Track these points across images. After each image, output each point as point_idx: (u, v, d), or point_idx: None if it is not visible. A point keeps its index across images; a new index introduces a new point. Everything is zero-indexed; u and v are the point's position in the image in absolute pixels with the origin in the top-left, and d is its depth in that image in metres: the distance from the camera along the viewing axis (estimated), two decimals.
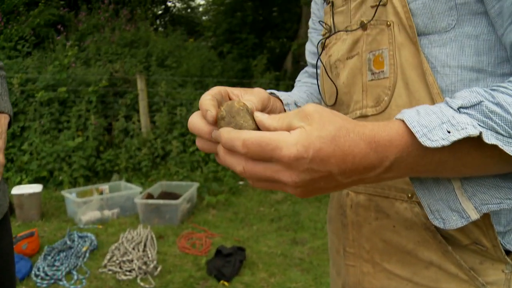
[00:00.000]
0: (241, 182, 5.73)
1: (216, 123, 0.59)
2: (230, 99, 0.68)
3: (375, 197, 0.77)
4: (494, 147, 0.53)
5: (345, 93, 0.82)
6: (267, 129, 0.55)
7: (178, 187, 4.89)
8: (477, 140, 0.54)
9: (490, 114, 0.54)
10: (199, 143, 0.64)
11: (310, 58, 1.08)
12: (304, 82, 1.09)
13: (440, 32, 0.67)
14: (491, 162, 0.57)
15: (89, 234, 3.76)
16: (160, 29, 13.45)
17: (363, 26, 0.77)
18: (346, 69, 0.81)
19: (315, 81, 1.07)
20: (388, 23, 0.72)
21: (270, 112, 0.74)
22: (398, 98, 0.71)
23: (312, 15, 1.07)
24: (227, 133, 0.55)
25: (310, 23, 1.08)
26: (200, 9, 18.35)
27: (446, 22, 0.66)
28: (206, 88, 7.31)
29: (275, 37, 12.17)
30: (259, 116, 0.57)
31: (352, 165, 0.53)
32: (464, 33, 0.66)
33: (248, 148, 0.52)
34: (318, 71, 0.98)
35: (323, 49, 0.90)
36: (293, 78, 9.84)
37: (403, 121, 0.56)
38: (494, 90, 0.57)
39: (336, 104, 0.85)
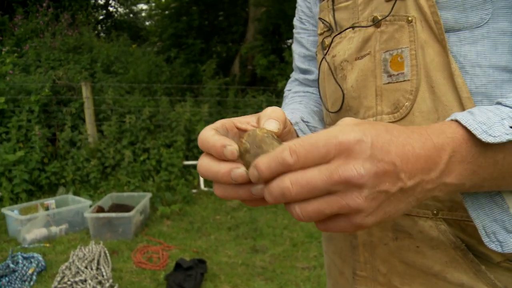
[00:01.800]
0: (194, 190, 5.59)
1: (239, 157, 0.50)
2: (239, 129, 0.59)
3: None
4: None
5: (353, 98, 0.74)
6: None
7: (130, 199, 4.68)
8: None
9: None
10: (219, 190, 0.53)
11: (300, 62, 0.99)
12: (295, 92, 1.00)
13: (471, 28, 0.61)
14: None
15: (35, 254, 3.48)
16: (102, 34, 13.02)
17: (376, 22, 0.69)
18: (355, 71, 0.73)
19: (309, 89, 0.98)
20: (410, 18, 0.65)
21: (288, 134, 0.65)
22: (422, 103, 0.65)
23: (299, 13, 0.98)
24: (265, 157, 0.45)
25: (296, 22, 0.99)
26: (143, 14, 17.95)
27: (479, 16, 0.61)
28: (154, 94, 7.16)
29: (222, 41, 12.09)
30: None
31: (412, 157, 0.47)
32: (498, 28, 0.60)
33: (298, 153, 0.43)
34: (317, 75, 0.90)
35: (324, 49, 0.81)
36: (242, 82, 9.83)
37: (456, 121, 0.51)
38: None
39: (342, 110, 0.77)
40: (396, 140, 0.46)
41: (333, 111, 0.79)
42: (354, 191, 0.44)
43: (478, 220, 0.56)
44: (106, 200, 4.54)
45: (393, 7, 0.66)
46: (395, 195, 0.47)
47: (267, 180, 0.46)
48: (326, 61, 0.80)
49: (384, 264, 0.73)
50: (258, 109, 7.34)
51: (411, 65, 0.65)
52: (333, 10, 0.80)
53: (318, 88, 0.85)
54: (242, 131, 0.58)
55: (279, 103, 7.56)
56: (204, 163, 0.52)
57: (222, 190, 0.53)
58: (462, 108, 0.61)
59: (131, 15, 18.19)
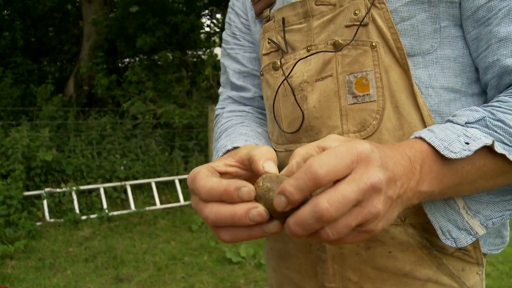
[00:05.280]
0: (39, 223, 5.09)
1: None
2: (220, 173, 0.57)
3: None
4: (503, 157, 0.58)
5: (315, 118, 0.76)
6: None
7: None
8: (489, 152, 0.58)
9: (494, 127, 0.60)
10: (228, 235, 0.51)
11: (235, 78, 0.98)
12: (231, 111, 0.99)
13: (423, 54, 0.70)
14: (500, 172, 0.61)
15: None
16: None
17: (341, 48, 0.73)
18: (316, 92, 0.76)
19: (244, 108, 0.99)
20: (374, 44, 0.70)
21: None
22: (388, 122, 0.71)
23: (233, 29, 0.98)
24: (292, 179, 0.45)
25: (228, 38, 0.99)
26: None
27: (430, 44, 0.70)
28: None
29: (53, 60, 11.22)
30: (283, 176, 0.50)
31: (401, 167, 0.52)
32: (445, 55, 0.70)
33: (327, 164, 0.45)
34: (254, 93, 0.94)
35: (276, 70, 0.83)
36: (78, 103, 9.20)
37: (420, 138, 0.59)
38: (488, 107, 0.63)
39: (301, 130, 0.79)
40: (383, 153, 0.50)
41: (290, 131, 0.81)
42: (374, 197, 0.47)
43: (436, 221, 0.66)
44: None
45: (356, 32, 0.71)
46: (394, 202, 0.52)
47: (295, 205, 0.46)
48: (288, 83, 0.80)
49: (355, 272, 0.77)
50: (101, 131, 6.97)
51: (376, 87, 0.70)
52: (284, 31, 0.82)
53: (273, 108, 0.85)
54: (223, 174, 0.57)
55: (123, 124, 7.31)
56: (214, 211, 0.50)
57: (232, 234, 0.51)
58: (424, 124, 0.69)
59: None
